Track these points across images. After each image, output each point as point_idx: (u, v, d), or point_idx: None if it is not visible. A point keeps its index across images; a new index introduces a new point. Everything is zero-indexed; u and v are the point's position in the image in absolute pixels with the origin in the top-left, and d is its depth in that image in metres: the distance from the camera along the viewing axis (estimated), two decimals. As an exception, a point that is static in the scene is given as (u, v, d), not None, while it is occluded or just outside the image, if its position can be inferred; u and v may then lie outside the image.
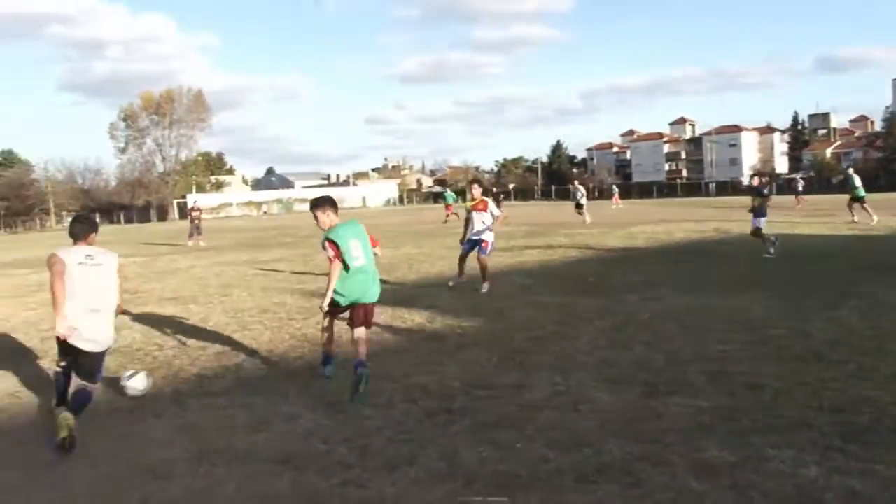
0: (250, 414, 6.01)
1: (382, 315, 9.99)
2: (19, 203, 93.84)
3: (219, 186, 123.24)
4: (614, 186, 59.00)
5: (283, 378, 7.10)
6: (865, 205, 23.87)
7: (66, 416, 5.35)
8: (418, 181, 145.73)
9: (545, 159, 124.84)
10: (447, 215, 39.10)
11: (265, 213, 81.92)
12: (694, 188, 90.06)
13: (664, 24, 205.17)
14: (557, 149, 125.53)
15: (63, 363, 5.81)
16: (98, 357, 5.85)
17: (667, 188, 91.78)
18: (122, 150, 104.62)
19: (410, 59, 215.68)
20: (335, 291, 6.38)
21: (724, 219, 29.28)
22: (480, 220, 12.23)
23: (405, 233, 31.62)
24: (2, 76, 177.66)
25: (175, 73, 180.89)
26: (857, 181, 24.30)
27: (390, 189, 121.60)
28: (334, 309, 6.56)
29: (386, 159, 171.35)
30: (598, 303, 10.27)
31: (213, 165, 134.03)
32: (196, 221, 29.74)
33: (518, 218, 38.37)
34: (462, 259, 12.78)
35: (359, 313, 6.47)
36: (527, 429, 5.29)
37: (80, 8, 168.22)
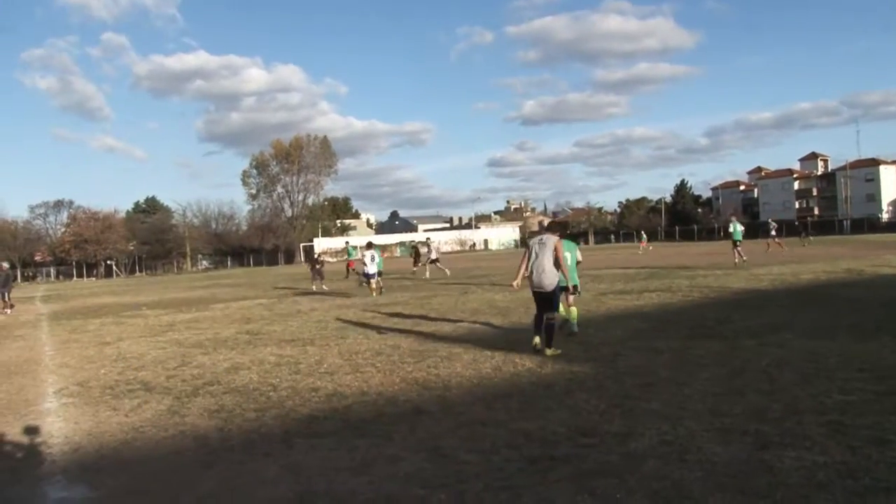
0: (354, 456, 6.10)
1: (495, 359, 10.01)
2: (160, 247, 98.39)
3: (344, 230, 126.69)
4: (771, 222, 51.57)
5: (390, 421, 7.16)
6: None
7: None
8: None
9: (669, 199, 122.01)
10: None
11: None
12: (827, 226, 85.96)
13: (794, 55, 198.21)
14: (682, 188, 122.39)
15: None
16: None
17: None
18: (254, 197, 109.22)
19: (532, 102, 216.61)
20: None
21: (857, 258, 27.98)
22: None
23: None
24: (150, 129, 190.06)
25: (304, 121, 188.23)
26: None
27: (512, 232, 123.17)
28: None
29: (508, 202, 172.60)
30: (715, 348, 9.91)
31: (339, 209, 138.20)
32: (318, 266, 30.88)
33: (639, 260, 37.62)
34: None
35: None
36: (629, 479, 5.15)
37: (220, 63, 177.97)
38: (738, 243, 29.71)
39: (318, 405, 8.00)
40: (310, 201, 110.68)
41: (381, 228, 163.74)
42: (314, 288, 29.81)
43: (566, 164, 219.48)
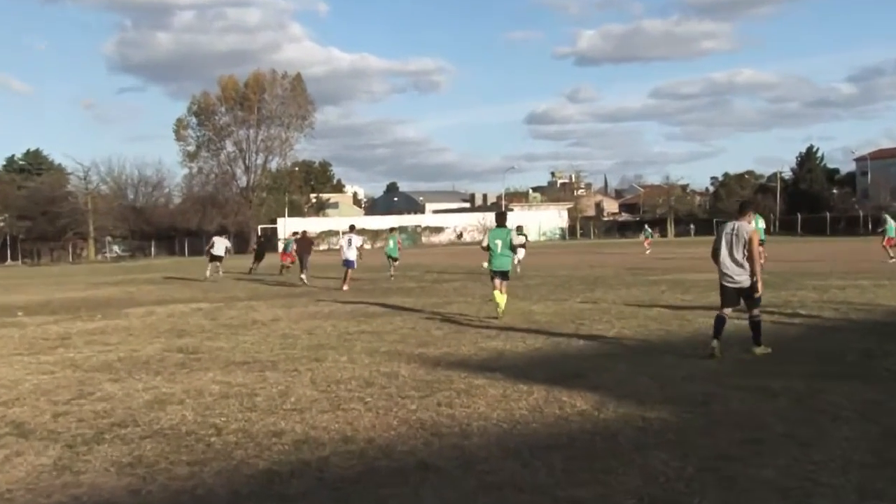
0: (333, 530, 6.06)
1: (533, 395, 10.11)
2: (47, 224, 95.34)
3: (321, 208, 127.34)
4: None
5: (384, 480, 7.15)
6: None
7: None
8: (598, 206, 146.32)
9: (788, 174, 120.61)
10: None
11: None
12: None
13: None
14: (808, 158, 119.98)
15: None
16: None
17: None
18: (192, 157, 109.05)
19: (591, 32, 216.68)
20: None
21: None
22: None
23: (575, 277, 31.85)
24: (36, 51, 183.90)
25: (266, 50, 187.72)
26: None
27: (558, 216, 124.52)
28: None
29: (553, 174, 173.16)
30: (860, 393, 9.86)
31: (316, 179, 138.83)
32: (255, 249, 33.13)
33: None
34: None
35: None
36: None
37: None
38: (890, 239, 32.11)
39: (281, 456, 7.97)
40: (273, 166, 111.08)
41: (374, 207, 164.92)
42: (303, 278, 33.41)
43: (637, 123, 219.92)
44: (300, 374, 12.24)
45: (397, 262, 37.22)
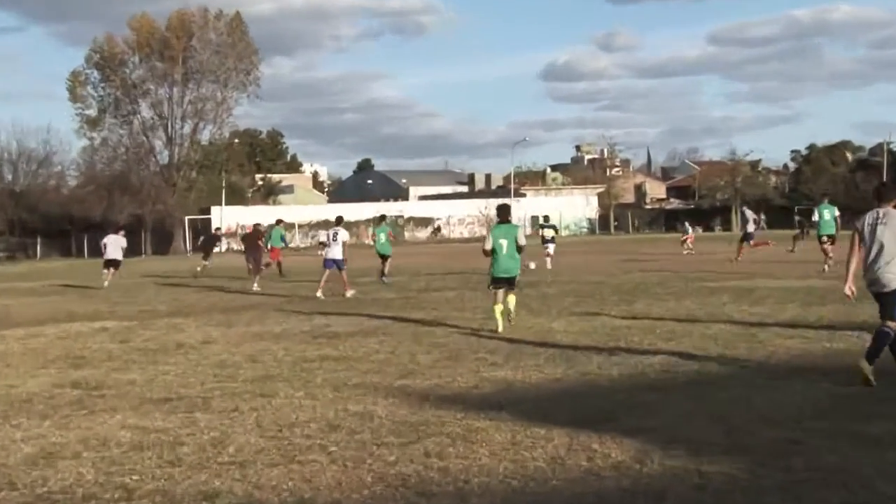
0: None
1: (552, 442, 10.14)
2: None
3: (271, 193, 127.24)
4: None
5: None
6: None
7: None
8: (639, 189, 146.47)
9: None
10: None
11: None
12: None
13: None
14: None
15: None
16: None
17: None
18: (93, 124, 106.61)
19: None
20: None
21: None
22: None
23: (608, 285, 32.56)
24: None
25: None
26: None
27: (585, 204, 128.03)
28: None
29: (578, 149, 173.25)
30: None
31: (263, 155, 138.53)
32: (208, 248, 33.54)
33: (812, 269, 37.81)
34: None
35: None
36: None
37: None
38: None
39: (215, 527, 7.92)
40: (206, 136, 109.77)
41: (341, 191, 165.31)
42: (255, 286, 36.25)
43: (692, 78, 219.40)
44: (242, 415, 12.24)
45: (388, 262, 39.23)
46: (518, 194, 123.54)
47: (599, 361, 15.72)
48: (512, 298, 20.89)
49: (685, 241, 62.21)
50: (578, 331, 19.94)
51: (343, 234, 33.28)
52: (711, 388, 13.07)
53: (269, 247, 44.22)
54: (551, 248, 45.65)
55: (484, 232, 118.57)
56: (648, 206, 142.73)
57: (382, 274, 38.27)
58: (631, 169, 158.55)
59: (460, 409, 12.07)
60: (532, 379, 14.32)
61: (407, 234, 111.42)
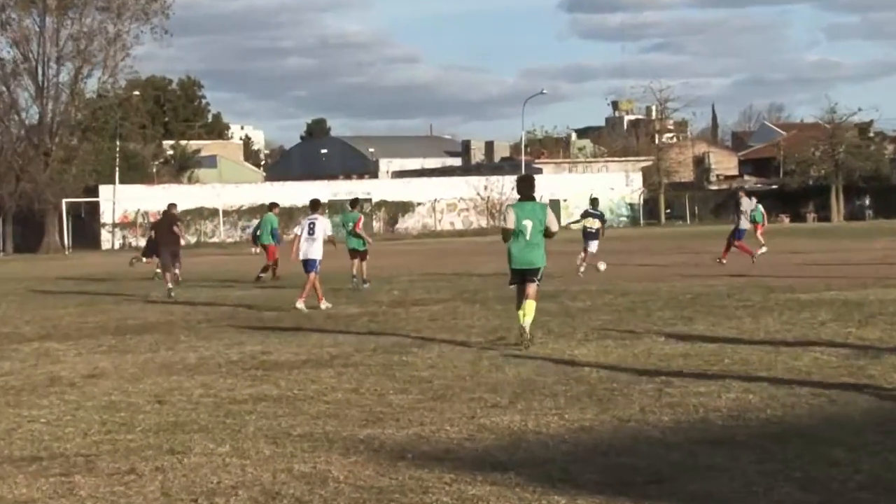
0: None
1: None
2: None
3: (184, 167, 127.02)
4: None
5: None
6: None
7: None
8: (700, 162, 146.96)
9: None
10: None
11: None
12: None
13: None
14: None
15: None
16: None
17: None
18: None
19: None
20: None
21: None
22: None
23: (656, 295, 33.57)
24: None
25: None
26: None
27: (624, 182, 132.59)
28: None
29: (615, 106, 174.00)
30: None
31: (175, 114, 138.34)
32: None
33: None
34: None
35: None
36: None
37: None
38: None
39: None
40: (91, 87, 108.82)
41: (285, 164, 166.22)
42: (169, 288, 39.60)
43: (774, 8, 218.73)
44: (141, 479, 12.04)
45: (363, 261, 42.09)
46: (531, 169, 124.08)
47: (644, 403, 15.61)
48: (531, 305, 21.58)
49: (756, 232, 60.54)
50: (615, 360, 19.95)
51: (323, 225, 35.02)
52: (800, 442, 12.88)
53: (259, 244, 45.15)
54: (594, 245, 45.67)
55: (482, 223, 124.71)
56: (714, 187, 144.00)
57: (354, 277, 40.34)
58: (689, 135, 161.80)
59: (449, 470, 11.90)
60: (550, 427, 14.21)
61: (376, 225, 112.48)
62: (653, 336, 23.63)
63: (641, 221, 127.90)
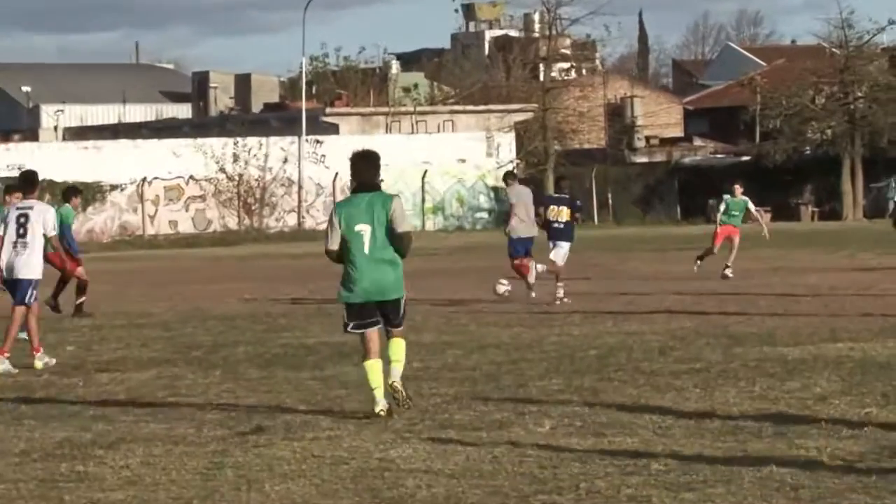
0: None
1: None
2: None
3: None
4: None
5: None
6: None
7: None
8: (617, 111, 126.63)
9: None
10: None
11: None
12: None
13: None
14: None
15: None
16: None
17: None
18: None
19: None
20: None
21: None
22: None
23: (544, 349, 27.68)
24: None
25: None
26: None
27: (480, 151, 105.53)
28: None
29: (469, 14, 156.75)
30: None
31: None
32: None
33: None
34: None
35: None
36: None
37: None
38: None
39: None
40: None
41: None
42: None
43: None
44: None
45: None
46: (318, 128, 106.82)
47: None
48: (398, 345, 17.57)
49: (760, 219, 52.69)
50: (456, 468, 13.84)
51: (44, 218, 25.79)
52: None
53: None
54: (561, 252, 38.20)
55: (230, 222, 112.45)
56: (642, 159, 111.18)
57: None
58: (599, 66, 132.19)
59: None
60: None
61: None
62: (528, 423, 17.34)
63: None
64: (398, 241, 17.14)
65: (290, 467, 14.42)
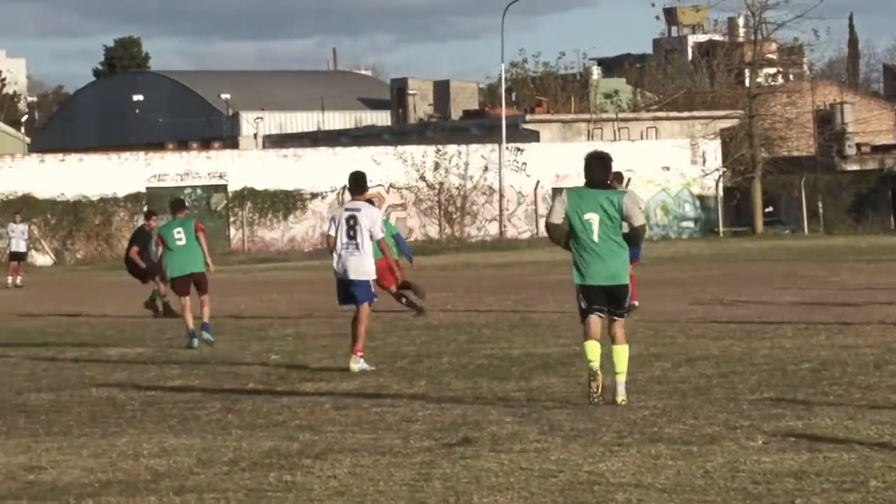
0: None
1: None
2: None
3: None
4: None
5: None
6: None
7: None
8: (827, 119, 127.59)
9: None
10: None
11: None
12: None
13: None
14: None
15: None
16: None
17: None
18: None
19: None
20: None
21: None
22: None
23: (745, 365, 26.41)
24: None
25: None
26: None
27: (686, 159, 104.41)
28: None
29: (670, 19, 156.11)
30: None
31: None
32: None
33: None
34: None
35: None
36: None
37: None
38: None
39: None
40: None
41: (67, 120, 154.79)
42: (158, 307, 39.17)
43: None
44: None
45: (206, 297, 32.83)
46: (517, 135, 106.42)
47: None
48: (622, 354, 18.46)
49: None
50: (669, 481, 13.43)
51: (367, 219, 26.74)
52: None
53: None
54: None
55: (431, 231, 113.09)
56: (853, 167, 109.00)
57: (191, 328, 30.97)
58: (808, 71, 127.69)
59: None
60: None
61: (234, 234, 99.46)
62: (739, 437, 16.77)
63: (721, 229, 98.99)
64: (633, 233, 18.55)
65: (498, 480, 14.08)
